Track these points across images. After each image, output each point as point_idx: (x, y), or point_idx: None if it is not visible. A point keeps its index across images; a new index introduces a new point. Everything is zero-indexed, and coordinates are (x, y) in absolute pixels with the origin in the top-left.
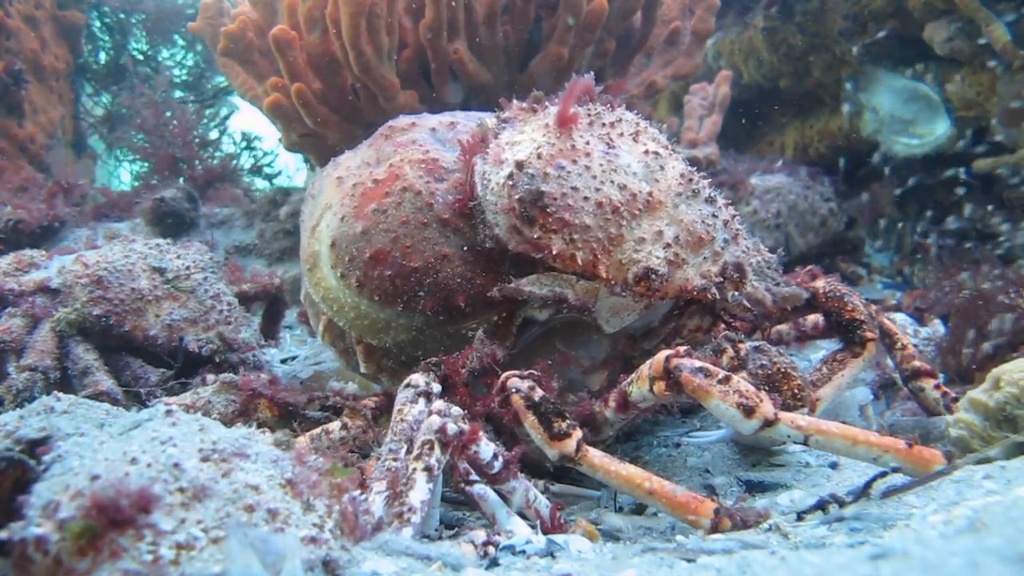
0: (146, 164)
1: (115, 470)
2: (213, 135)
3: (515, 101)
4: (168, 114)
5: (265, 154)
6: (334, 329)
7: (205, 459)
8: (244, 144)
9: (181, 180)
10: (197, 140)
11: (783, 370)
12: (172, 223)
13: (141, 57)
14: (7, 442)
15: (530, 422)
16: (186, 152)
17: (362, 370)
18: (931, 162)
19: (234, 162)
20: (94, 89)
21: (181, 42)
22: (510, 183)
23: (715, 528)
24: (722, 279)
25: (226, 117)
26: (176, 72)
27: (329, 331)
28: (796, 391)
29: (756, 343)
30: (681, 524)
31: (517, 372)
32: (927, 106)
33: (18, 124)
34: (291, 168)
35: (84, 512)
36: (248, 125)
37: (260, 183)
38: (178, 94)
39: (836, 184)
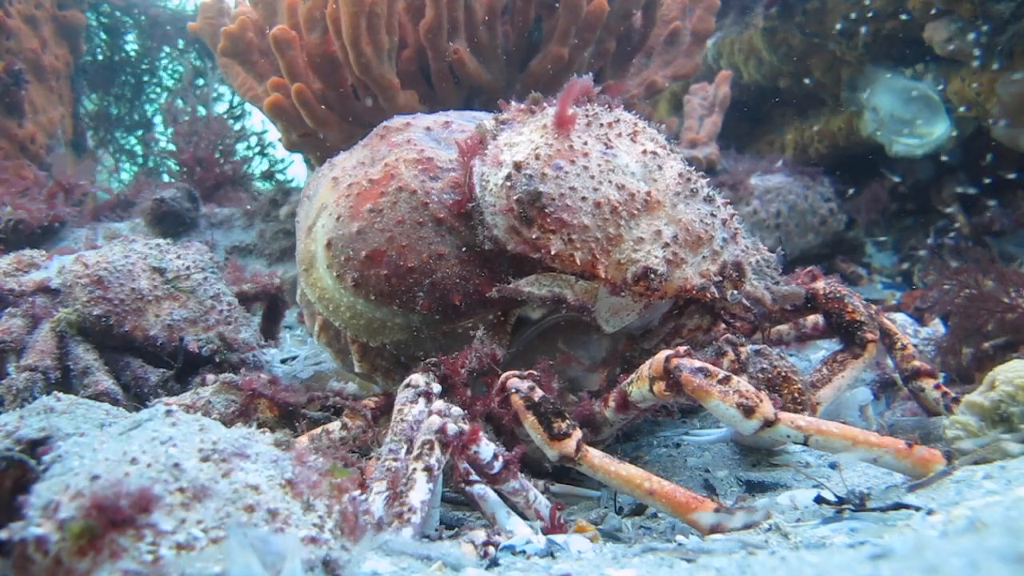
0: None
1: (115, 470)
2: (234, 143)
3: (513, 102)
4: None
5: (279, 160)
6: (329, 329)
7: (205, 459)
8: (258, 149)
9: (189, 180)
10: (220, 148)
11: (784, 374)
12: (172, 223)
13: (134, 56)
14: (7, 442)
15: (530, 422)
16: (209, 158)
17: (356, 370)
18: (931, 162)
19: (245, 167)
20: (88, 86)
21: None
22: (508, 184)
23: (715, 528)
24: (721, 278)
25: (239, 116)
26: (167, 75)
27: (325, 331)
28: (796, 395)
29: (757, 347)
30: (681, 524)
31: (517, 372)
32: (927, 106)
33: (18, 124)
34: (301, 174)
35: (84, 512)
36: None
37: (267, 186)
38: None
39: (836, 184)
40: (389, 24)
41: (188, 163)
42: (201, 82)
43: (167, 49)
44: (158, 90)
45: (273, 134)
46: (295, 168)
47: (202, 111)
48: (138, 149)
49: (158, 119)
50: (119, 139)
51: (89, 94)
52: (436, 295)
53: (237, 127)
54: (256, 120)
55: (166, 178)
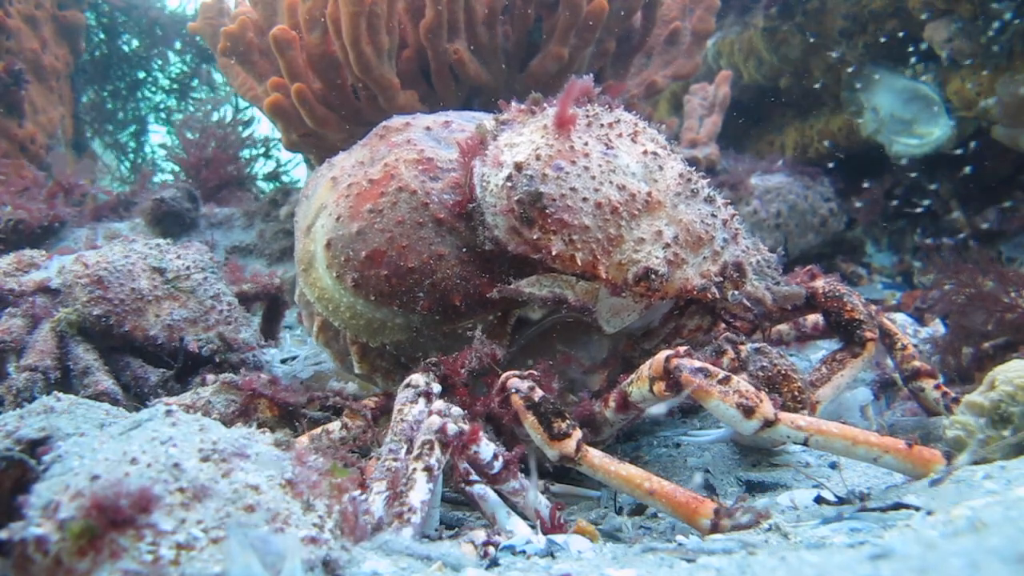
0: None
1: (115, 470)
2: (240, 148)
3: (513, 103)
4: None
5: (286, 162)
6: (328, 330)
7: (205, 459)
8: (263, 150)
9: (190, 180)
10: (229, 151)
11: (783, 372)
12: (172, 223)
13: (131, 54)
14: (7, 442)
15: (530, 422)
16: (216, 158)
17: (356, 371)
18: (931, 162)
19: (249, 168)
20: (85, 81)
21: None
22: (509, 185)
23: (715, 528)
24: (722, 278)
25: (248, 122)
26: (161, 75)
27: (324, 332)
28: (796, 393)
29: (757, 345)
30: (681, 524)
31: (517, 372)
32: (927, 106)
33: (18, 124)
34: (302, 174)
35: (84, 512)
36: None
37: (267, 186)
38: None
39: (836, 184)
40: (389, 24)
41: (194, 165)
42: (195, 82)
43: (161, 50)
44: (153, 89)
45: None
46: (299, 170)
47: (214, 116)
48: (131, 144)
49: (151, 118)
50: (113, 132)
51: (86, 89)
52: (436, 296)
53: (245, 133)
54: (265, 128)
55: (164, 179)
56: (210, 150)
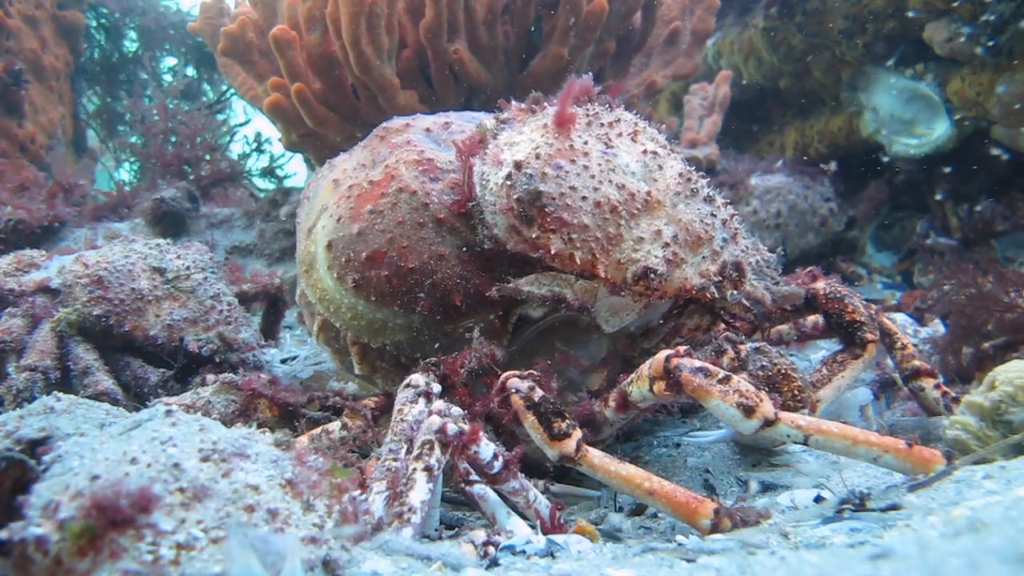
0: (141, 164)
1: (115, 470)
2: (222, 139)
3: (514, 102)
4: (177, 114)
5: (279, 156)
6: (329, 329)
7: (205, 459)
8: (255, 146)
9: (187, 180)
10: (201, 141)
11: (784, 371)
12: (172, 223)
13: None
14: (7, 442)
15: (530, 422)
16: (192, 153)
17: (356, 371)
18: (931, 162)
19: (243, 163)
20: (89, 86)
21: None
22: (508, 183)
23: (715, 528)
24: (721, 278)
25: (244, 123)
26: (168, 79)
27: (324, 331)
28: (796, 392)
29: (757, 344)
30: (681, 524)
31: (517, 372)
32: (927, 106)
33: (18, 124)
34: (302, 170)
35: (84, 512)
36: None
37: (265, 184)
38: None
39: (836, 184)
40: (389, 24)
41: (172, 162)
42: (205, 86)
43: (162, 54)
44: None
45: (257, 128)
46: (295, 166)
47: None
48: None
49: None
50: (122, 134)
51: (89, 93)
52: (437, 296)
53: (222, 119)
54: (255, 120)
55: (127, 172)
56: (187, 146)
